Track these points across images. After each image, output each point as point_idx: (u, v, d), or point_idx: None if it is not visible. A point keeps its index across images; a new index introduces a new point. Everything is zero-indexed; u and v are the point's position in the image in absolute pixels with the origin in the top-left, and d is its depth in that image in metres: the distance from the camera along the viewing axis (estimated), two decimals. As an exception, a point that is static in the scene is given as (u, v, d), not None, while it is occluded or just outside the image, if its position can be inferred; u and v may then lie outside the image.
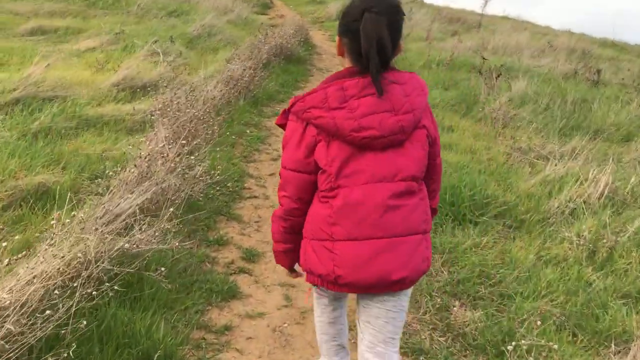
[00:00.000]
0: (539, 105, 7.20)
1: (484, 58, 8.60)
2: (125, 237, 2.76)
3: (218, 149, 4.71)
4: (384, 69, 1.66)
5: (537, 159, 5.38)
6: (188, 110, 4.66)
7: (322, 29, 16.16)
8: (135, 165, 3.49)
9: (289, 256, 1.95)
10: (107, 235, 2.64)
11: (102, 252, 2.51)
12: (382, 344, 1.86)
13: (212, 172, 3.88)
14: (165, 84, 5.81)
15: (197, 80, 6.11)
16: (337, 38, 1.77)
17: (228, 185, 4.08)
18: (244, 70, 6.52)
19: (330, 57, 10.39)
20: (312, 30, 15.41)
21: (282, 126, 1.80)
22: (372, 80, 1.64)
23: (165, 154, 3.71)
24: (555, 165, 4.95)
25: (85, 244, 2.45)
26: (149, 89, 5.76)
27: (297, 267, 1.98)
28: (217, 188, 4.01)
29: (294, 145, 1.74)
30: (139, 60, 6.63)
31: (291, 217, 1.84)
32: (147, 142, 4.00)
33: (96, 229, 2.65)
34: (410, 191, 1.73)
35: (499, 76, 7.87)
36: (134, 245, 2.73)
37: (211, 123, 4.90)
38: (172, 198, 3.44)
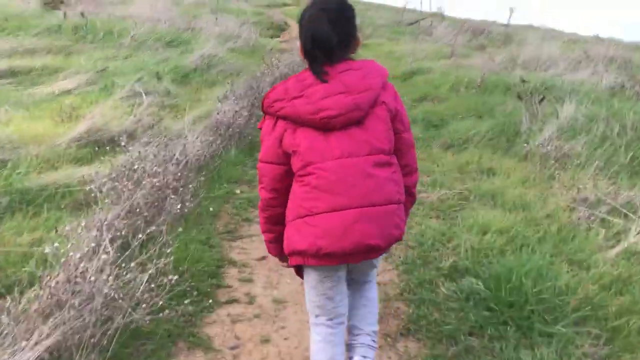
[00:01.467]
0: (595, 135, 5.88)
1: (523, 80, 7.31)
2: None
3: (193, 226, 3.55)
4: (329, 60, 1.86)
5: (612, 216, 4.09)
6: (151, 179, 3.52)
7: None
8: (42, 288, 2.33)
9: (275, 246, 2.09)
10: None
11: None
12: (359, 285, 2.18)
13: (170, 277, 2.69)
14: (140, 134, 4.70)
15: (179, 128, 4.98)
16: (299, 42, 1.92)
17: (195, 291, 2.87)
18: (238, 111, 5.37)
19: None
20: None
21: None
22: (312, 70, 1.86)
23: (97, 262, 2.54)
24: (642, 228, 3.67)
25: None
26: (119, 141, 4.63)
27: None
28: (178, 295, 2.81)
29: (267, 138, 1.91)
30: (116, 104, 5.53)
31: (269, 208, 1.99)
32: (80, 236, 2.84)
33: None
34: (381, 163, 1.85)
35: (542, 100, 6.60)
36: None
37: (185, 190, 3.76)
38: (94, 337, 2.26)
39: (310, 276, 2.01)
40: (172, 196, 3.61)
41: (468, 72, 9.53)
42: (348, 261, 1.89)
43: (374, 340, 2.16)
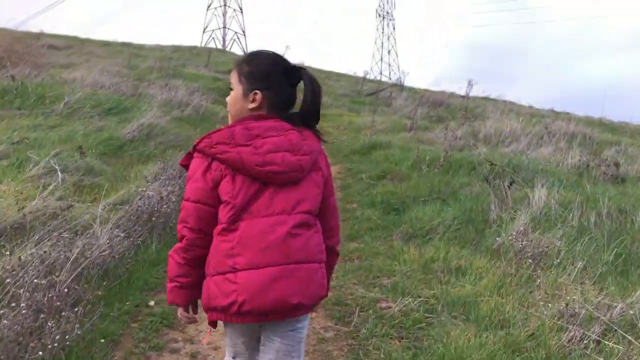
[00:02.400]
0: (572, 226, 5.24)
1: (491, 163, 6.72)
2: None
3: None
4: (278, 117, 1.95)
5: (608, 338, 3.34)
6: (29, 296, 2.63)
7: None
8: None
9: (186, 293, 1.94)
10: None
11: None
12: None
13: None
14: (38, 226, 3.82)
15: (90, 217, 4.09)
16: (251, 93, 1.92)
17: None
18: (165, 195, 4.53)
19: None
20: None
21: (186, 167, 1.93)
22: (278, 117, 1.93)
23: None
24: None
25: None
26: (9, 236, 3.73)
27: (189, 310, 2.00)
28: None
29: (198, 178, 1.85)
30: (20, 185, 4.63)
31: (193, 248, 1.88)
32: None
33: None
34: (307, 223, 1.88)
35: (511, 184, 5.98)
36: None
37: (71, 312, 2.86)
38: None
39: (228, 329, 2.00)
40: (50, 323, 2.71)
41: (429, 148, 8.98)
42: (270, 319, 1.86)
43: None
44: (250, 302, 1.78)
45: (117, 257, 3.62)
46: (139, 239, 4.03)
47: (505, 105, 25.26)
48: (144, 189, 4.60)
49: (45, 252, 3.23)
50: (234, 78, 1.97)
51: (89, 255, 3.39)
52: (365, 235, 5.27)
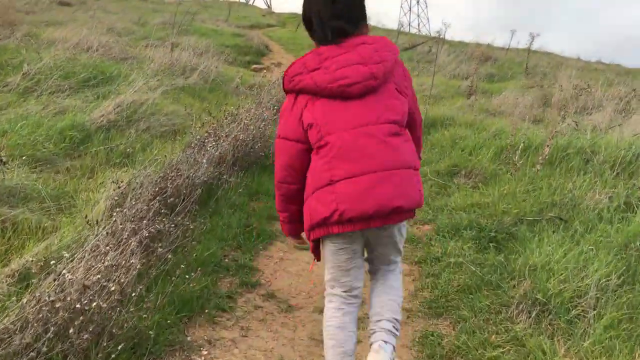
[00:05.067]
0: None
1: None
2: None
3: None
4: (344, 36, 1.92)
5: None
6: None
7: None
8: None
9: (289, 226, 2.12)
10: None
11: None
12: (384, 264, 2.08)
13: None
14: None
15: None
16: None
17: None
18: (120, 259, 2.38)
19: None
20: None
21: None
22: (337, 41, 1.92)
23: None
24: None
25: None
26: None
27: (303, 235, 2.11)
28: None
29: (287, 113, 1.93)
30: None
31: (284, 184, 1.99)
32: None
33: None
34: (394, 132, 1.87)
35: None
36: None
37: None
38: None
39: (327, 249, 2.00)
40: None
41: (504, 126, 6.62)
42: (370, 225, 1.86)
43: (395, 327, 2.02)
44: (351, 210, 1.81)
45: None
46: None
47: (551, 58, 22.43)
48: (95, 231, 2.43)
49: None
50: None
51: None
52: (461, 304, 3.07)
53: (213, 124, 4.80)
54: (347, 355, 1.96)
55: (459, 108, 8.37)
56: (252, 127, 4.63)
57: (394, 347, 1.94)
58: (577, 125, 5.98)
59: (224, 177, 4.03)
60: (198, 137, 4.39)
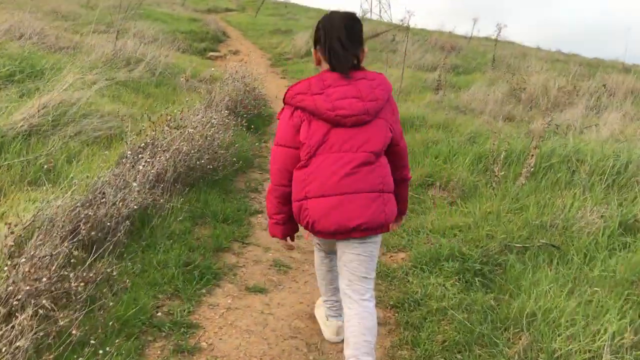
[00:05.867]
0: None
1: None
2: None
3: None
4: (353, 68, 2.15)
5: None
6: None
7: (287, 75, 11.24)
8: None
9: (282, 227, 2.32)
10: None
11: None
12: (358, 282, 2.21)
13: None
14: None
15: None
16: (313, 50, 2.23)
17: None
18: None
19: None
20: (271, 76, 10.60)
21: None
22: (340, 73, 2.12)
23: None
24: None
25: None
26: None
27: (288, 239, 2.39)
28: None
29: (284, 125, 2.16)
30: None
31: (280, 187, 2.22)
32: None
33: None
34: (368, 162, 2.10)
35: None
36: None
37: None
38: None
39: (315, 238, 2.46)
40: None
41: (478, 128, 6.09)
42: (337, 238, 2.15)
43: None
44: (318, 224, 2.10)
45: None
46: None
47: (514, 48, 22.16)
48: None
49: None
50: None
51: None
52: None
53: (153, 130, 4.08)
54: (337, 293, 2.48)
55: (427, 105, 7.81)
56: (198, 137, 3.93)
57: None
58: (557, 128, 5.48)
59: (162, 200, 3.33)
60: (133, 149, 3.67)
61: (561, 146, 4.98)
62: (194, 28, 15.96)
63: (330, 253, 2.50)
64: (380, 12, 36.13)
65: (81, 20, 12.79)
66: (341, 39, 2.08)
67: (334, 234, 2.11)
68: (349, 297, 2.20)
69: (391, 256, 3.60)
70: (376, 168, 2.11)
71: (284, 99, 2.17)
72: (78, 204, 2.92)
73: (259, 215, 4.00)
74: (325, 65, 2.16)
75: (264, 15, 23.43)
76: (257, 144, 5.40)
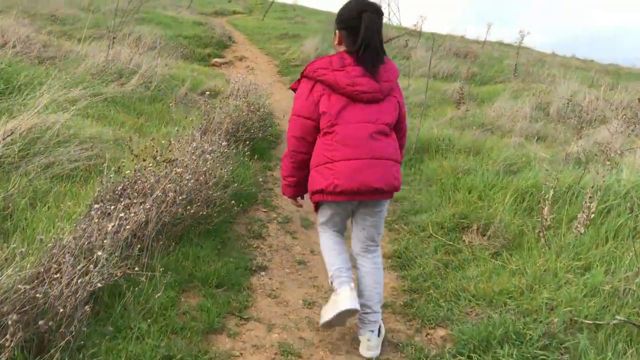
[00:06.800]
0: None
1: None
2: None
3: None
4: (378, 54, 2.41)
5: None
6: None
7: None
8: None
9: (294, 189, 2.63)
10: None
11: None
12: (371, 241, 2.60)
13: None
14: None
15: None
16: (336, 32, 2.44)
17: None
18: None
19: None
20: (278, 87, 9.86)
21: (295, 90, 2.50)
22: (368, 63, 2.38)
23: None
24: None
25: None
26: None
27: (299, 199, 2.71)
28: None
29: (303, 97, 2.41)
30: None
31: (299, 154, 2.49)
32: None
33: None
34: (385, 132, 2.42)
35: None
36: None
37: None
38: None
39: (325, 210, 2.60)
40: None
41: (514, 154, 5.34)
42: (356, 198, 2.41)
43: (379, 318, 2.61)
44: (343, 185, 2.35)
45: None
46: None
47: (528, 53, 21.35)
48: None
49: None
50: None
51: None
52: None
53: (135, 165, 3.35)
54: (346, 262, 2.62)
55: (449, 122, 7.07)
56: (188, 176, 3.19)
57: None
58: (608, 160, 4.72)
59: (136, 268, 2.60)
60: (104, 197, 2.95)
61: (615, 182, 4.22)
62: (199, 32, 15.25)
63: (339, 232, 2.67)
64: (389, 16, 35.29)
65: (79, 24, 12.15)
66: (376, 40, 2.36)
67: (355, 194, 2.38)
68: (362, 257, 2.63)
69: (427, 334, 2.86)
70: (391, 140, 2.46)
71: (302, 72, 2.42)
72: (24, 280, 2.20)
73: (263, 274, 3.26)
74: (342, 48, 2.43)
75: (271, 18, 22.69)
76: (261, 178, 4.64)
